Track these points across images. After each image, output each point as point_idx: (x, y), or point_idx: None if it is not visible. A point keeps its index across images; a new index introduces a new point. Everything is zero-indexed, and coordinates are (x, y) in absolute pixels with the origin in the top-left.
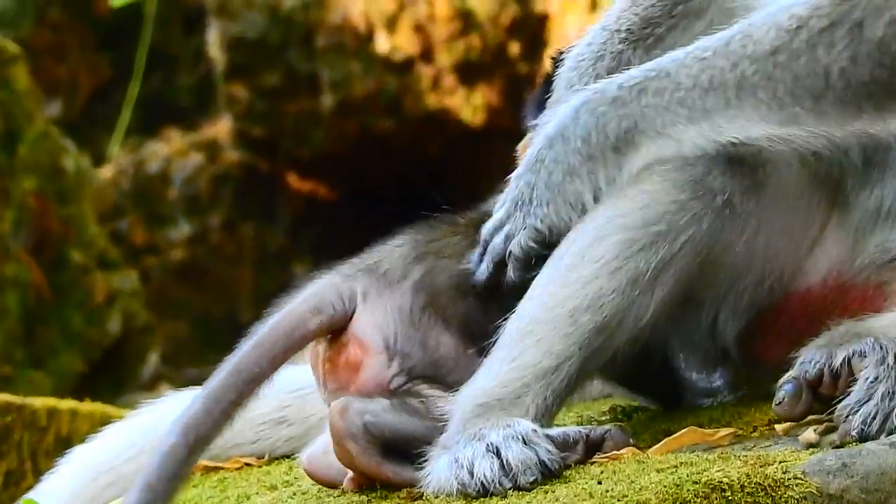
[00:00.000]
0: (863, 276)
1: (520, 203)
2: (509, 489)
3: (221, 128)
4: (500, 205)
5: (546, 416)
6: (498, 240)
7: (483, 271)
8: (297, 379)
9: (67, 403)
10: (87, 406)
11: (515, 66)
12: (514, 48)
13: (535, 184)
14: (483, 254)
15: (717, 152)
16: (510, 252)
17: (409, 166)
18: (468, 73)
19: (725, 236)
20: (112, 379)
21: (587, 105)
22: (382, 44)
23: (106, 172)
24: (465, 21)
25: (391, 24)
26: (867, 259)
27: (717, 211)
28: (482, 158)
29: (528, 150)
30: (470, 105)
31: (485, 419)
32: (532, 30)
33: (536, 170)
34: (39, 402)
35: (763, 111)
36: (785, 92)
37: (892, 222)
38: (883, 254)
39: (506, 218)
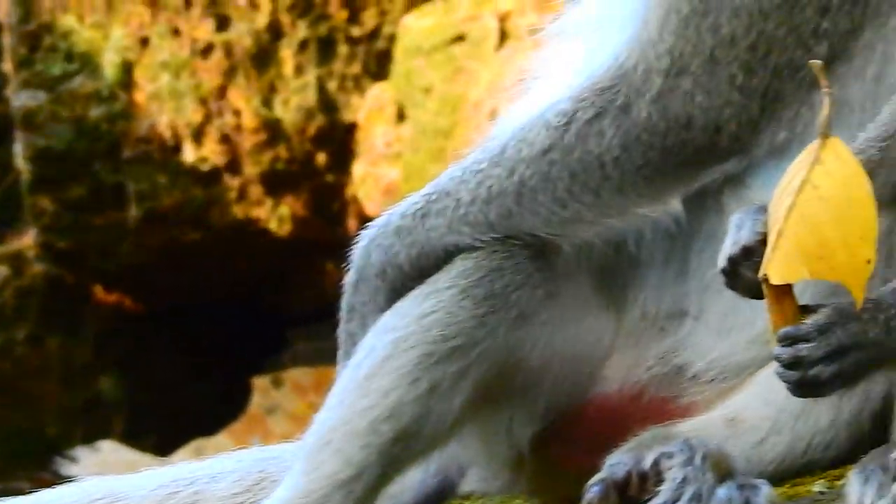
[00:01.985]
0: (653, 387)
1: (349, 354)
2: None
3: (27, 240)
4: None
5: None
6: None
7: None
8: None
9: None
10: None
11: (322, 176)
12: (321, 158)
13: (354, 332)
14: None
15: (516, 266)
16: None
17: (218, 278)
18: (275, 183)
19: (521, 344)
20: None
21: (374, 241)
22: (189, 155)
23: None
24: (272, 131)
25: (198, 134)
26: (652, 370)
27: (512, 322)
28: (290, 269)
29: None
30: (276, 216)
31: None
32: (339, 140)
33: (351, 318)
34: None
35: (544, 214)
36: (564, 190)
37: (658, 330)
38: (663, 365)
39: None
